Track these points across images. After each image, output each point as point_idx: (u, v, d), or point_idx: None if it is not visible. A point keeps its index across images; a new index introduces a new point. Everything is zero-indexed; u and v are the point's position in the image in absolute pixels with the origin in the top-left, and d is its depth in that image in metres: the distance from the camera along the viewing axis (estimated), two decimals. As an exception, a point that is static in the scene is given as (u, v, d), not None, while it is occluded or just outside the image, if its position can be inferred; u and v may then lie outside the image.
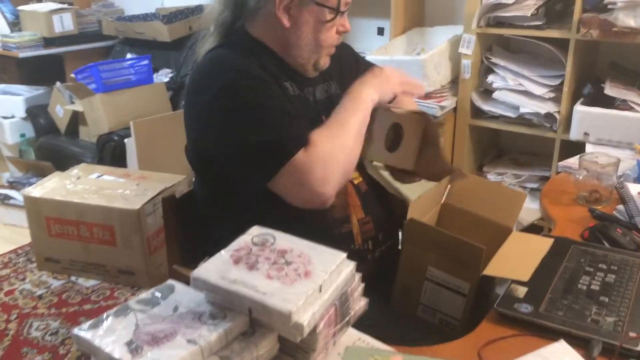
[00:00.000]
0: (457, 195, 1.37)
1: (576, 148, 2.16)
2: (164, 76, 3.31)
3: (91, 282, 2.48)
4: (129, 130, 2.91)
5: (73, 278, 2.52)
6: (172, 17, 3.34)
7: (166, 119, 3.03)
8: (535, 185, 2.38)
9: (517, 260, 1.17)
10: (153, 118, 2.98)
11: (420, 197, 1.26)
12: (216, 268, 0.79)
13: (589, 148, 2.07)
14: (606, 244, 1.28)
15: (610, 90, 2.03)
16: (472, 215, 1.34)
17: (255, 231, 0.90)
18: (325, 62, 1.27)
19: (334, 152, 1.11)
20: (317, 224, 1.20)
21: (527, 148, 2.58)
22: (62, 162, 3.04)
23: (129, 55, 3.47)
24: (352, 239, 1.24)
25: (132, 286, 2.47)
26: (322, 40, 1.22)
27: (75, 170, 2.72)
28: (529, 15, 2.09)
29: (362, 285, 0.86)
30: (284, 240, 0.88)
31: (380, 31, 2.87)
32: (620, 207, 1.45)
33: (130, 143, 2.94)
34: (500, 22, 2.22)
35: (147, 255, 2.45)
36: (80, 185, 2.57)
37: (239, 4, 1.24)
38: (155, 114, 3.03)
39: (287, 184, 1.11)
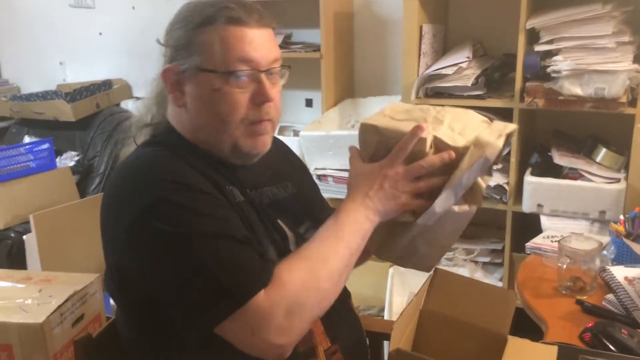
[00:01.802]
0: (437, 298, 1.18)
1: (528, 219, 2.07)
2: (68, 160, 2.98)
3: (-17, 420, 2.03)
4: (29, 225, 2.52)
5: (-41, 416, 2.05)
6: (76, 94, 3.04)
7: (73, 208, 2.66)
8: (487, 259, 2.25)
9: (525, 381, 0.99)
10: (57, 209, 2.61)
11: (402, 314, 1.06)
12: None
13: (543, 220, 1.97)
14: (613, 349, 1.12)
15: (559, 159, 1.96)
16: (457, 321, 1.15)
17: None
18: (250, 145, 1.00)
19: (305, 295, 0.87)
20: None
21: (474, 219, 2.45)
22: (-56, 267, 2.59)
23: (26, 138, 3.11)
24: None
25: (36, 420, 2.03)
26: (224, 115, 0.97)
27: (-39, 279, 2.28)
28: (470, 85, 2.00)
29: None
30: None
31: (309, 103, 2.72)
32: (610, 296, 1.32)
33: (30, 240, 2.53)
34: (439, 92, 2.12)
35: (54, 378, 2.05)
36: (-32, 298, 2.15)
37: (161, 95, 1.05)
38: (59, 204, 2.65)
39: (238, 332, 0.85)
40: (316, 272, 0.89)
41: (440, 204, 0.94)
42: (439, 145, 0.94)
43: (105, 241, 0.98)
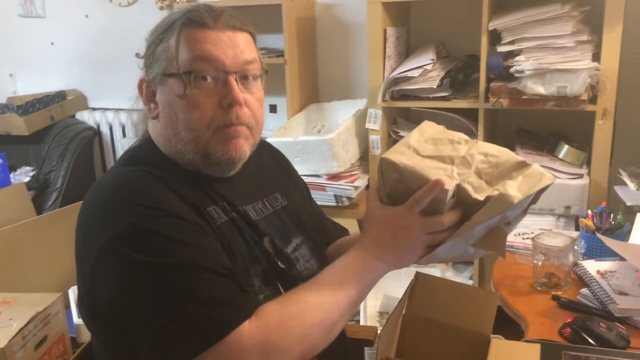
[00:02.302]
0: (420, 302, 1.17)
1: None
2: (23, 175, 2.85)
3: None
4: (-17, 245, 2.40)
5: None
6: (28, 107, 2.92)
7: (29, 225, 2.54)
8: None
9: (513, 381, 1.00)
10: (13, 227, 2.49)
11: (387, 322, 1.05)
12: None
13: (511, 217, 2.00)
14: (593, 343, 1.14)
15: (524, 157, 1.96)
16: (440, 324, 1.15)
17: None
18: (221, 150, 0.93)
19: (288, 341, 0.82)
20: None
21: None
22: None
23: (-24, 155, 2.96)
24: None
25: None
26: (189, 120, 0.92)
27: None
28: (435, 87, 2.02)
29: None
30: None
31: (273, 109, 2.69)
32: (584, 290, 1.34)
33: (-15, 261, 2.42)
34: (405, 95, 2.13)
35: (18, 405, 1.95)
36: None
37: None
38: (15, 222, 2.54)
39: None
40: (308, 318, 0.84)
41: (445, 251, 0.89)
42: (461, 194, 0.86)
43: (77, 264, 0.92)
